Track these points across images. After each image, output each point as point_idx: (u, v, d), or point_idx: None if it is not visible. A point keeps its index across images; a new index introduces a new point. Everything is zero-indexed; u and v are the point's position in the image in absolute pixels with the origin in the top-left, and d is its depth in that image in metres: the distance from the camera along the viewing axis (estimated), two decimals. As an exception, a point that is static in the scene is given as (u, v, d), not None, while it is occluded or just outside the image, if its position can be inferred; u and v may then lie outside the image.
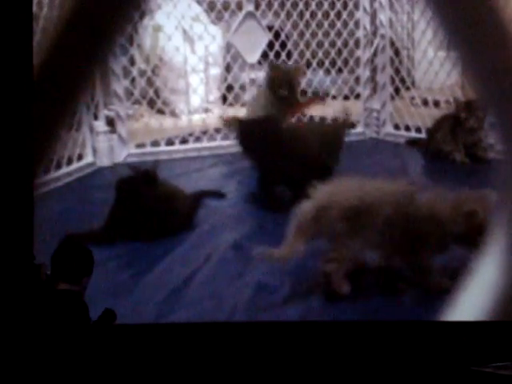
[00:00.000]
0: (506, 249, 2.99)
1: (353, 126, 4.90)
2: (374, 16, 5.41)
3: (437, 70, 5.17)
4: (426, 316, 2.95)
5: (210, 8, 5.41)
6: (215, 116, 5.44)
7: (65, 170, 4.56)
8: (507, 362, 2.60)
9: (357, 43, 5.45)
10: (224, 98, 5.62)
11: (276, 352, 2.83)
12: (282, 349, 2.83)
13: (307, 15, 5.42)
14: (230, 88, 5.50)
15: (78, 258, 2.39)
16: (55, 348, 2.21)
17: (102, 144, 4.89)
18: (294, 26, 5.43)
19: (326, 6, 5.43)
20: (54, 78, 3.65)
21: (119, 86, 4.97)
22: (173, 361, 2.91)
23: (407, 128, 5.30)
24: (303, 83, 5.53)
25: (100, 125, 4.91)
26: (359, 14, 5.42)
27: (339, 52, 5.48)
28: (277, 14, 5.39)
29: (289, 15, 5.40)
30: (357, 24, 5.43)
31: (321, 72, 5.58)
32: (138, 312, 3.28)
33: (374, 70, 5.47)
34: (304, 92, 5.60)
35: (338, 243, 3.17)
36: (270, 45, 5.33)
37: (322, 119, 5.35)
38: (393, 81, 5.41)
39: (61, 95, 3.68)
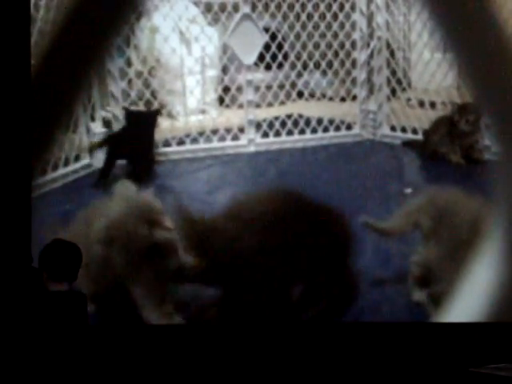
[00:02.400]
0: (502, 250, 3.00)
1: None
2: (370, 18, 5.42)
3: (433, 72, 5.18)
4: (424, 317, 2.96)
5: (207, 10, 5.41)
6: (212, 117, 5.46)
7: (61, 171, 4.55)
8: (505, 364, 2.60)
9: (353, 45, 5.46)
10: (221, 100, 5.62)
11: (273, 353, 2.84)
12: (279, 350, 2.84)
13: (304, 17, 5.43)
14: (226, 89, 5.50)
15: (76, 256, 2.39)
16: (62, 349, 2.22)
17: (99, 145, 4.89)
18: (291, 27, 5.44)
19: (322, 7, 5.45)
20: (50, 80, 3.65)
21: (116, 87, 4.97)
22: (171, 361, 2.91)
23: (403, 129, 5.32)
24: (300, 85, 5.55)
25: (97, 126, 4.91)
26: (356, 16, 5.44)
27: (336, 53, 5.49)
28: (273, 16, 5.40)
29: (285, 17, 5.41)
30: (353, 26, 5.44)
31: (317, 73, 5.60)
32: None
33: (370, 72, 5.48)
34: (301, 93, 5.62)
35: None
36: (267, 46, 5.34)
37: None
38: (389, 82, 5.43)
39: (58, 96, 3.68)
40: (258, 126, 5.29)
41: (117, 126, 4.95)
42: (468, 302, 2.81)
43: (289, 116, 5.43)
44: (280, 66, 5.47)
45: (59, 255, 2.37)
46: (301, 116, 5.45)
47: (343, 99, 5.69)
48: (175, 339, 2.96)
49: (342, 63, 5.50)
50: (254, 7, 5.29)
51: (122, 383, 2.61)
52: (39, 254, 2.39)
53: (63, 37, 3.70)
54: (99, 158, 4.84)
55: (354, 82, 5.53)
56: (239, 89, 5.40)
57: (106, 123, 4.95)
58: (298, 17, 5.43)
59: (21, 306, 2.37)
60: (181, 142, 5.19)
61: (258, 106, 5.38)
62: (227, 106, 5.55)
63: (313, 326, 3.00)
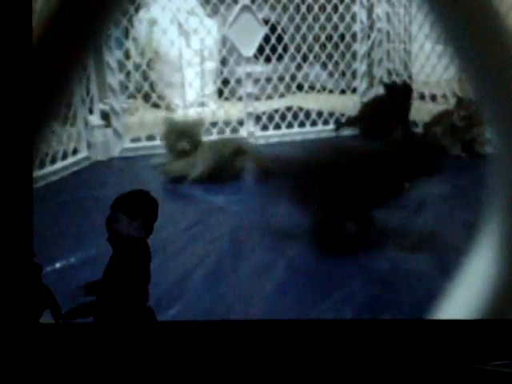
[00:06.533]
0: (500, 244, 2.97)
1: None
2: (371, 9, 5.39)
3: (434, 64, 5.15)
4: (428, 314, 2.94)
5: (206, 1, 5.38)
6: (211, 110, 5.44)
7: (60, 164, 4.53)
8: (510, 360, 2.59)
9: (354, 37, 5.43)
10: (220, 92, 5.60)
11: (274, 351, 2.82)
12: (281, 347, 2.82)
13: (304, 8, 5.40)
14: (225, 82, 5.48)
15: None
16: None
17: (97, 138, 4.86)
18: (291, 19, 5.40)
19: (322, -1, 5.42)
20: (45, 70, 3.61)
21: (114, 79, 4.94)
22: (171, 359, 2.89)
23: (404, 122, 5.29)
24: (299, 77, 5.53)
25: (95, 119, 4.88)
26: (356, 8, 5.41)
27: (336, 46, 5.46)
28: (273, 8, 5.36)
29: (285, 8, 5.37)
30: (354, 17, 5.41)
31: (317, 66, 5.57)
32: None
33: (370, 64, 5.46)
34: (301, 86, 5.60)
35: None
36: (267, 38, 5.30)
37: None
38: (390, 75, 5.40)
39: (53, 85, 3.65)
40: (258, 118, 5.26)
41: (114, 119, 4.92)
42: (471, 298, 2.79)
43: (288, 109, 5.39)
44: (280, 58, 5.44)
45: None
46: (301, 109, 5.42)
47: (343, 92, 5.67)
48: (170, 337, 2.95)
49: (343, 55, 5.47)
50: (253, -2, 5.25)
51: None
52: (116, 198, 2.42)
53: (57, 25, 3.66)
54: (97, 151, 4.83)
55: (354, 74, 5.51)
56: (238, 81, 5.37)
57: (104, 116, 4.92)
58: (297, 8, 5.40)
59: (21, 300, 2.37)
60: (180, 135, 5.16)
61: (257, 98, 5.35)
62: (226, 99, 5.53)
63: (312, 323, 2.99)
